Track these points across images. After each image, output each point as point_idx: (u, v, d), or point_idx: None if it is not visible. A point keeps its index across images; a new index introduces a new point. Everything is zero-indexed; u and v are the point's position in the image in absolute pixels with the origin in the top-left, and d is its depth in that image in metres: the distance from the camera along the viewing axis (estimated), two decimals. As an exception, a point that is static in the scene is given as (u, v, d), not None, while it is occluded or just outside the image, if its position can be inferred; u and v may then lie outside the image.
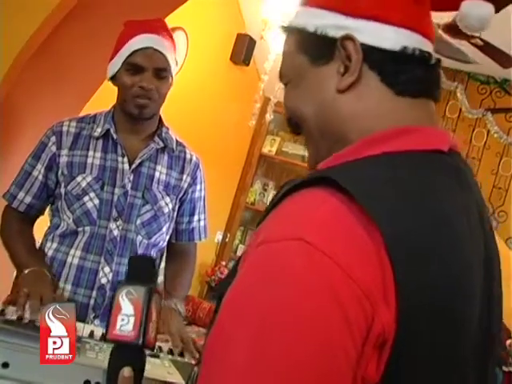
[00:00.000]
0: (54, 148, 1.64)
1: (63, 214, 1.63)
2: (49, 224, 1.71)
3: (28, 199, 1.66)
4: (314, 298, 0.52)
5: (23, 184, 1.66)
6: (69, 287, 1.59)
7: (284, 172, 5.06)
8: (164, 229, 1.69)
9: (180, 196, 1.72)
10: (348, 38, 0.65)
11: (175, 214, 1.73)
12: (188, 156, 1.74)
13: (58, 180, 1.64)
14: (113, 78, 1.65)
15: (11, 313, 1.28)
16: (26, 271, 1.52)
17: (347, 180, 0.57)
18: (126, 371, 0.75)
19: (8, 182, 1.73)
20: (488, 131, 4.20)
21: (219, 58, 4.21)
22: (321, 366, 0.51)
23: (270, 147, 4.97)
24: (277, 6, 3.44)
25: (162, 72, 1.59)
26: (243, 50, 4.29)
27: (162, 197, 1.66)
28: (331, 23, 0.67)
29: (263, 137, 4.96)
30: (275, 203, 0.60)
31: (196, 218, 1.78)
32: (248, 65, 4.36)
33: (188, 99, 3.78)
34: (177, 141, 1.74)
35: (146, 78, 1.57)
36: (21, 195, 1.66)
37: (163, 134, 1.69)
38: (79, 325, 1.35)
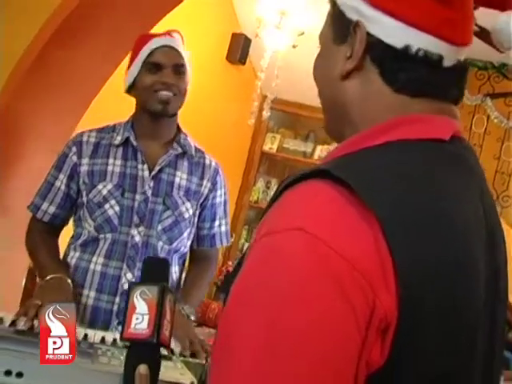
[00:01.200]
0: (74, 158, 1.67)
1: (85, 222, 1.66)
2: (72, 233, 1.74)
3: (52, 209, 1.70)
4: (317, 288, 0.53)
5: (46, 195, 1.70)
6: (92, 294, 1.62)
7: (286, 168, 5.05)
8: (185, 234, 1.71)
9: (201, 201, 1.74)
10: (359, 24, 0.66)
11: (196, 219, 1.75)
12: (207, 162, 1.77)
13: (79, 189, 1.67)
14: (131, 88, 1.69)
15: (22, 323, 1.28)
16: (48, 277, 1.54)
17: (342, 170, 0.58)
18: (142, 368, 0.76)
19: (11, 190, 1.74)
20: (488, 117, 4.18)
21: (215, 58, 4.21)
22: (328, 353, 0.52)
23: (270, 144, 4.96)
24: (270, 3, 3.44)
25: (180, 68, 1.67)
26: (239, 49, 4.29)
27: (183, 202, 1.69)
28: (351, 4, 0.67)
29: (263, 135, 4.96)
30: (276, 197, 0.61)
31: (217, 223, 1.80)
32: (244, 63, 4.36)
33: (186, 100, 3.78)
34: (195, 147, 1.77)
35: (165, 74, 1.64)
36: (44, 206, 1.70)
37: (182, 141, 1.73)
38: (90, 332, 1.36)
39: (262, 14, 3.49)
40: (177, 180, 1.69)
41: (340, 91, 0.69)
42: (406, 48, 0.64)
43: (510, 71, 4.26)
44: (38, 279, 1.81)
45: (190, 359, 1.32)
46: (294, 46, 3.55)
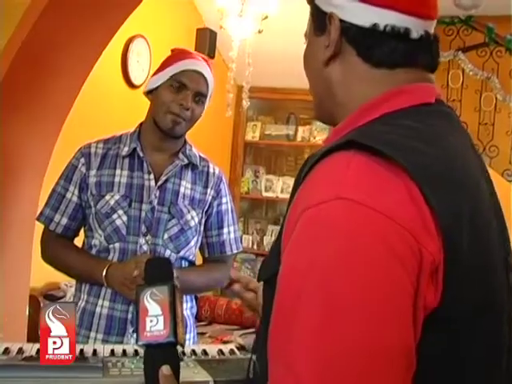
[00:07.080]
0: (83, 169, 1.70)
1: (95, 232, 1.68)
2: (83, 240, 1.74)
3: (64, 221, 1.71)
4: (366, 251, 0.57)
5: (58, 206, 1.71)
6: (107, 304, 1.64)
7: (272, 155, 5.05)
8: (192, 242, 1.73)
9: (205, 209, 1.76)
10: (332, 15, 0.73)
11: (202, 227, 1.77)
12: (211, 170, 1.80)
13: (88, 200, 1.69)
14: (150, 92, 1.71)
15: (29, 350, 1.28)
16: (104, 271, 1.59)
17: (365, 138, 0.63)
18: (165, 369, 0.76)
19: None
20: (463, 71, 4.19)
21: (183, 56, 4.17)
22: (386, 304, 0.56)
23: (252, 133, 4.95)
24: (229, -8, 3.41)
25: (201, 97, 1.69)
26: (206, 43, 4.26)
27: (188, 211, 1.71)
28: None
29: (244, 125, 4.95)
30: (304, 175, 0.66)
31: (225, 230, 1.81)
32: (213, 57, 4.32)
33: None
34: (200, 157, 1.80)
35: (185, 96, 1.66)
36: (57, 217, 1.71)
37: (187, 151, 1.76)
38: (99, 347, 1.35)
39: (222, 4, 3.46)
40: (181, 189, 1.71)
41: (325, 77, 0.76)
42: (374, 26, 0.71)
43: (477, 23, 4.26)
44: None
45: (202, 357, 1.32)
46: (259, 32, 3.53)
